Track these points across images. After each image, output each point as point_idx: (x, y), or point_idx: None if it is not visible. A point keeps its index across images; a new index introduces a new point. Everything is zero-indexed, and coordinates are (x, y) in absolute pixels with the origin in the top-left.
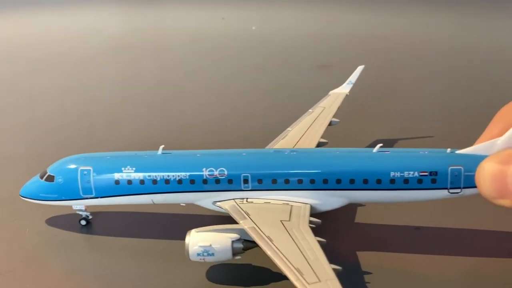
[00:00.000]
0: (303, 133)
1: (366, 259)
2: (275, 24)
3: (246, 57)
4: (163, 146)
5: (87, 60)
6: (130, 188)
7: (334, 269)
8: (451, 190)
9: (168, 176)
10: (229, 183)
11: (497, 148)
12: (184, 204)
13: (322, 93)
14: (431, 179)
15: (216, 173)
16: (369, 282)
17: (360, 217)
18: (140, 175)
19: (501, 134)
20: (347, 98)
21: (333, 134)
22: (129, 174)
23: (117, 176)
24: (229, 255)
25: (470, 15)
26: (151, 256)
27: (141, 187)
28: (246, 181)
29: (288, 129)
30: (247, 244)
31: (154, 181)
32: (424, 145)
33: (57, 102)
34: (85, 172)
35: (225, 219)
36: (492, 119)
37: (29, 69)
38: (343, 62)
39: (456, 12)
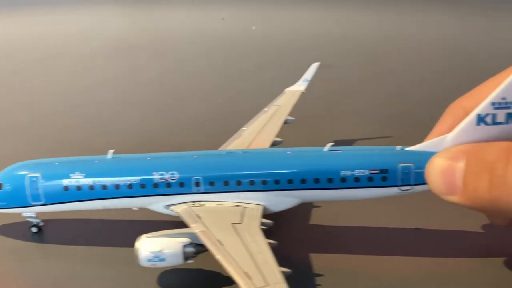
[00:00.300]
0: (258, 132)
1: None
2: (275, 24)
3: (246, 57)
4: (113, 150)
5: (86, 60)
6: (79, 194)
7: (283, 272)
8: (402, 187)
9: (118, 181)
10: (181, 187)
11: (446, 144)
12: (136, 209)
13: (322, 92)
14: (382, 177)
15: (167, 176)
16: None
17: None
18: (89, 181)
19: (450, 130)
20: (305, 96)
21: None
22: (78, 180)
23: (65, 182)
24: (180, 259)
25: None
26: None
27: (91, 193)
28: (197, 183)
29: (243, 128)
30: (199, 248)
31: (104, 187)
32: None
33: (56, 102)
34: (33, 179)
35: (179, 223)
36: (442, 115)
37: (28, 69)
38: (343, 62)
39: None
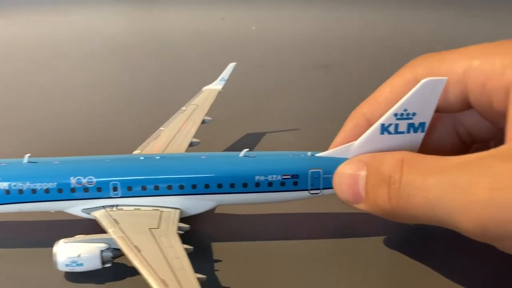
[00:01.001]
0: (176, 133)
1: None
2: (275, 24)
3: (245, 57)
4: (29, 154)
5: (86, 60)
6: None
7: (198, 278)
8: (312, 191)
9: (35, 185)
10: (98, 191)
11: (353, 151)
12: (53, 211)
13: (322, 93)
14: (293, 182)
15: (84, 181)
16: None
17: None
18: (5, 185)
19: (353, 136)
20: (221, 95)
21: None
22: None
23: None
24: (98, 264)
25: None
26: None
27: (7, 197)
28: (115, 188)
29: (161, 128)
30: (117, 252)
31: (20, 191)
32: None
33: (56, 101)
34: None
35: (97, 224)
36: (345, 122)
37: (28, 69)
38: (342, 62)
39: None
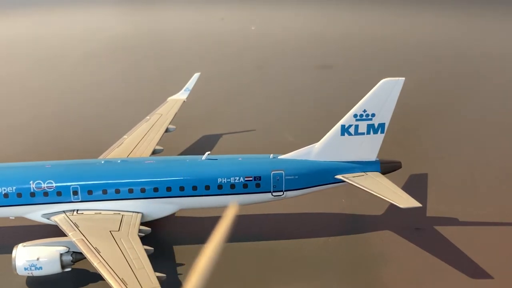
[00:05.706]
0: (139, 141)
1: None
2: (275, 24)
3: (245, 57)
4: None
5: (86, 61)
6: None
7: (158, 277)
8: (274, 193)
9: None
10: (58, 195)
11: (314, 153)
12: (13, 218)
13: (322, 93)
14: (256, 184)
15: (44, 185)
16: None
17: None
18: None
19: None
20: (185, 104)
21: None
22: None
23: None
24: (57, 268)
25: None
26: None
27: None
28: (75, 192)
29: (124, 137)
30: (77, 256)
31: None
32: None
33: (56, 102)
34: None
35: (59, 229)
36: None
37: (28, 69)
38: (343, 63)
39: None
